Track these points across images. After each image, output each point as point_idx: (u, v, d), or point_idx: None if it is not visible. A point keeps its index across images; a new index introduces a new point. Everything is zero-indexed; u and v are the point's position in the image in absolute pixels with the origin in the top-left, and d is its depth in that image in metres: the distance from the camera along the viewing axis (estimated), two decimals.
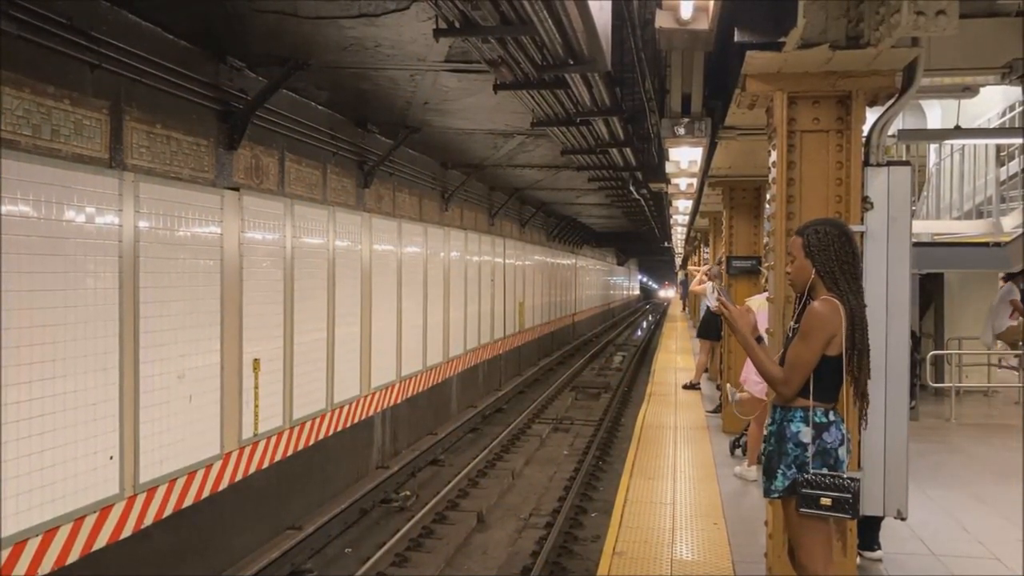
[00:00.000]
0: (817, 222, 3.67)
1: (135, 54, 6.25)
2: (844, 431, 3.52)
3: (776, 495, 3.57)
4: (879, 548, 5.24)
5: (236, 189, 7.71)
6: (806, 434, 3.47)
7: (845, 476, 3.43)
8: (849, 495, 3.39)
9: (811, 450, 3.45)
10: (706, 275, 10.51)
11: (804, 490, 3.42)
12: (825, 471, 3.43)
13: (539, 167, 14.70)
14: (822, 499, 3.39)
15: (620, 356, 27.42)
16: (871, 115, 4.67)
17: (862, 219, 4.51)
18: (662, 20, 4.23)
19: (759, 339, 3.89)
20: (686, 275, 38.74)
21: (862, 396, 3.56)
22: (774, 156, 4.59)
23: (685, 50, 5.64)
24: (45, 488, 5.45)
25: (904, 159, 12.25)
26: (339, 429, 10.00)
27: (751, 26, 4.22)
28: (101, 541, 5.99)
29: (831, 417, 3.50)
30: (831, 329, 3.42)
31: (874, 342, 4.10)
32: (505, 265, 19.29)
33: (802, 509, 3.43)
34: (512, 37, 5.99)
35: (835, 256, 3.50)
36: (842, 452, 3.48)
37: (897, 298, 4.55)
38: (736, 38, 4.30)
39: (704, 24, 4.20)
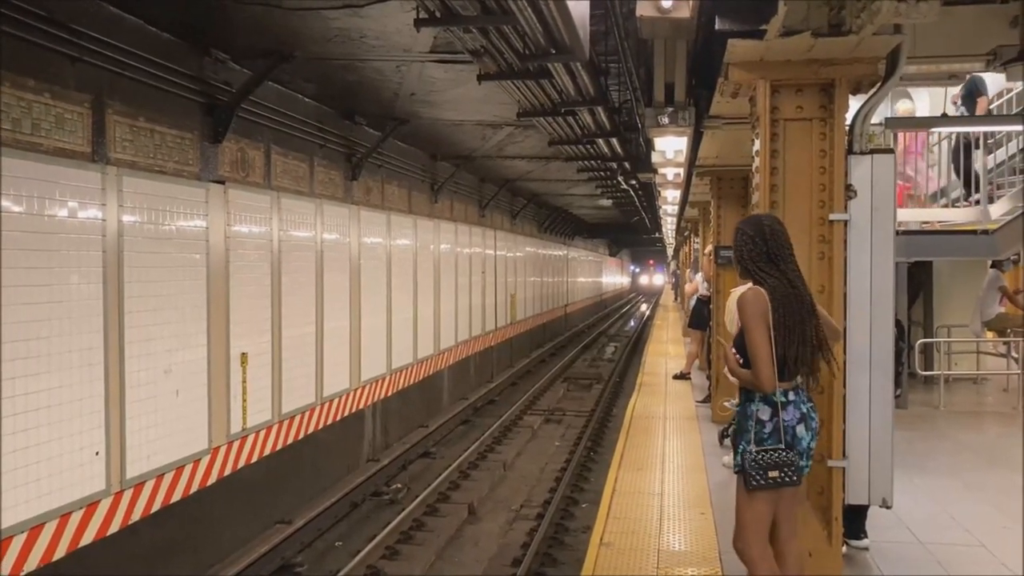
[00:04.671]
0: (741, 222, 3.86)
1: (117, 47, 6.20)
2: (805, 410, 3.68)
3: (736, 469, 3.77)
4: (865, 536, 5.25)
5: (221, 182, 7.66)
6: (764, 412, 3.66)
7: (782, 450, 3.60)
8: (792, 467, 3.59)
9: (768, 427, 3.65)
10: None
11: (750, 471, 3.62)
12: (767, 449, 3.61)
13: (529, 158, 14.67)
14: (770, 473, 3.59)
15: (612, 347, 27.47)
16: (854, 103, 4.66)
17: (846, 207, 4.51)
18: (643, 9, 4.21)
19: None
20: (678, 266, 38.89)
21: (795, 369, 3.64)
22: (757, 145, 4.58)
23: (668, 39, 5.63)
24: (30, 485, 5.42)
25: (890, 147, 12.24)
26: (329, 422, 9.98)
27: (732, 14, 4.21)
28: (88, 537, 5.97)
29: (789, 397, 3.66)
30: (761, 309, 3.56)
31: (858, 331, 4.09)
32: (496, 257, 19.25)
33: (751, 486, 3.62)
34: (494, 27, 5.96)
35: (746, 253, 3.74)
36: (801, 429, 3.66)
37: (881, 286, 4.55)
38: (717, 26, 4.28)
39: (685, 12, 4.19)
